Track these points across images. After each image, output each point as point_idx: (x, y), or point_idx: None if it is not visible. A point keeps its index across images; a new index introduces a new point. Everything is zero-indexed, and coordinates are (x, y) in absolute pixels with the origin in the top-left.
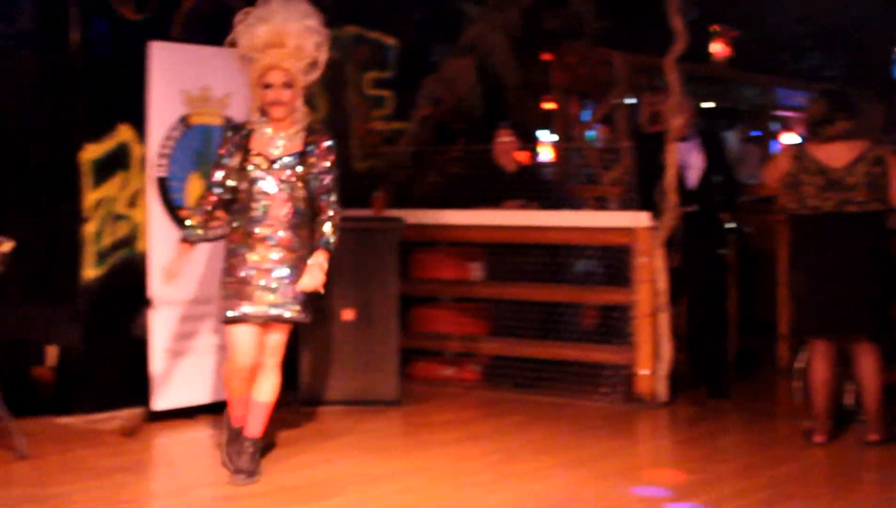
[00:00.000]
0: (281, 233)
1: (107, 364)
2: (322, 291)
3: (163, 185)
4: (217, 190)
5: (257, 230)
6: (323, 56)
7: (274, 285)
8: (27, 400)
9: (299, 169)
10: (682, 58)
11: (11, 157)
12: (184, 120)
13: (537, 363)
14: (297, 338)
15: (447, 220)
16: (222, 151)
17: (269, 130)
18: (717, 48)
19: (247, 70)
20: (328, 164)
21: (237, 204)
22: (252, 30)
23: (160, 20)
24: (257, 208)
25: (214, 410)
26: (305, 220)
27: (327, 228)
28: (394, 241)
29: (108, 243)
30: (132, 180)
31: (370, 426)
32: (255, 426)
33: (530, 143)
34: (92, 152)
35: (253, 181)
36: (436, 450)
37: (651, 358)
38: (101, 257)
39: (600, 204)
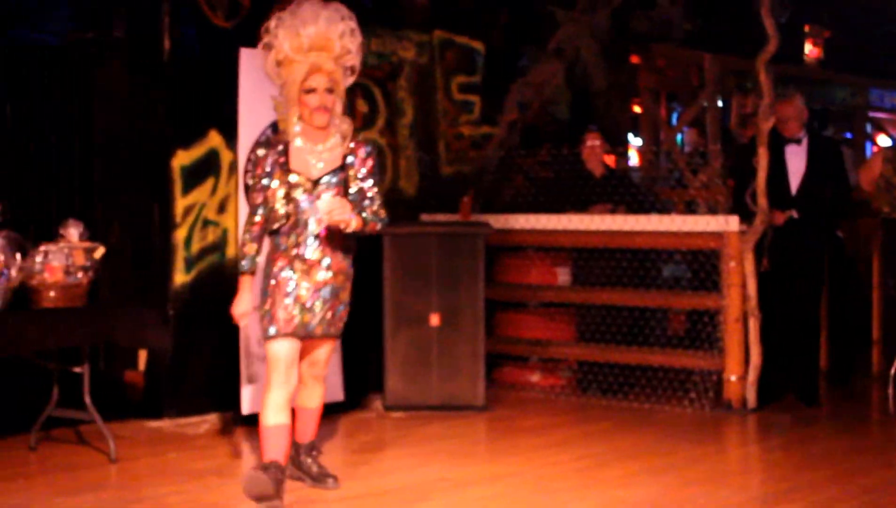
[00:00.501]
0: (328, 255)
1: (196, 369)
2: (345, 225)
3: None
4: (261, 212)
5: (307, 255)
6: (359, 61)
7: (318, 304)
8: (118, 404)
9: (341, 185)
10: (774, 59)
11: (103, 162)
12: (273, 126)
13: (625, 368)
14: (384, 343)
15: (534, 224)
16: (259, 172)
17: (305, 144)
18: (809, 49)
19: (280, 76)
20: (366, 171)
21: (283, 227)
22: (297, 31)
23: (250, 27)
24: (304, 232)
25: None
26: (350, 236)
27: (366, 213)
28: (480, 245)
29: (198, 249)
30: (222, 187)
31: (456, 432)
32: (312, 431)
33: (618, 146)
34: (182, 158)
35: (298, 205)
36: (522, 456)
37: (740, 364)
38: (191, 262)
39: (689, 208)
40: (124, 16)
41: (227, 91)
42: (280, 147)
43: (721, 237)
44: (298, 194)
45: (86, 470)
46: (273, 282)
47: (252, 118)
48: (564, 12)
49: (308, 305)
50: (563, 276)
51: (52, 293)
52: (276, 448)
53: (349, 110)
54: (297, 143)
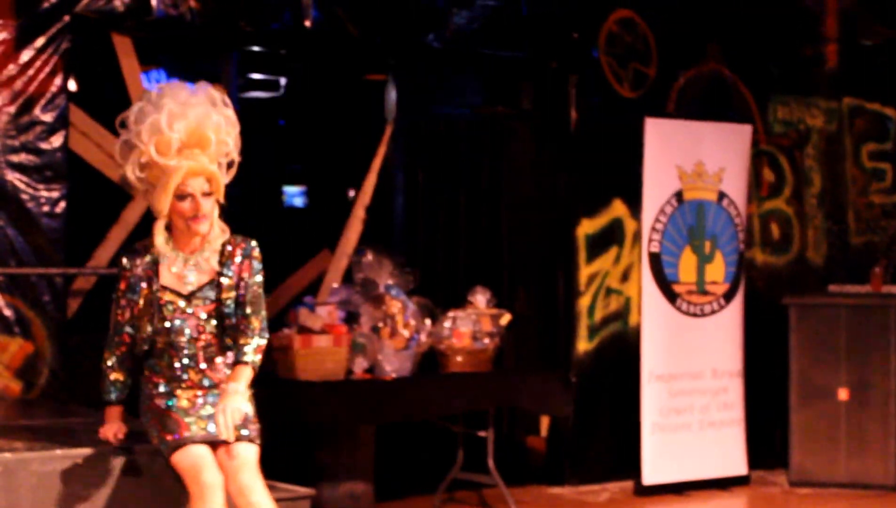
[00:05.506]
0: (208, 376)
1: (597, 437)
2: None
3: (655, 260)
4: (128, 330)
5: (185, 377)
6: (237, 152)
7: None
8: (520, 468)
9: (218, 301)
10: None
11: (510, 230)
12: (677, 195)
13: None
14: (789, 416)
15: None
16: (123, 287)
17: (176, 255)
18: None
19: (144, 181)
20: (247, 275)
21: (156, 348)
22: (161, 129)
23: (655, 97)
24: (180, 355)
25: (705, 487)
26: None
27: (249, 347)
28: (892, 318)
29: (601, 317)
30: (625, 255)
31: None
32: None
33: None
34: (587, 227)
35: (170, 325)
36: None
37: None
38: (594, 330)
39: None
40: (532, 89)
41: (631, 160)
42: (148, 260)
43: None
44: (169, 313)
45: None
46: (157, 402)
47: (656, 187)
48: None
49: (203, 413)
50: None
51: (459, 358)
52: None
53: (755, 179)
54: (168, 254)
